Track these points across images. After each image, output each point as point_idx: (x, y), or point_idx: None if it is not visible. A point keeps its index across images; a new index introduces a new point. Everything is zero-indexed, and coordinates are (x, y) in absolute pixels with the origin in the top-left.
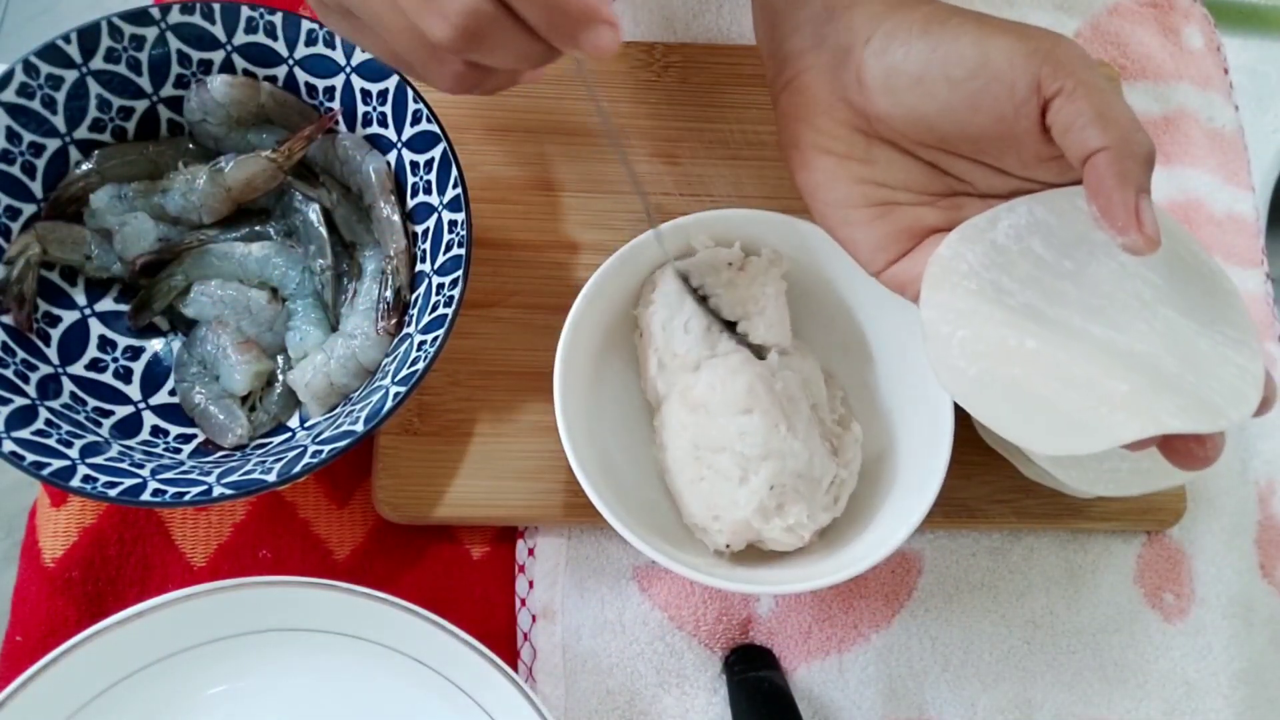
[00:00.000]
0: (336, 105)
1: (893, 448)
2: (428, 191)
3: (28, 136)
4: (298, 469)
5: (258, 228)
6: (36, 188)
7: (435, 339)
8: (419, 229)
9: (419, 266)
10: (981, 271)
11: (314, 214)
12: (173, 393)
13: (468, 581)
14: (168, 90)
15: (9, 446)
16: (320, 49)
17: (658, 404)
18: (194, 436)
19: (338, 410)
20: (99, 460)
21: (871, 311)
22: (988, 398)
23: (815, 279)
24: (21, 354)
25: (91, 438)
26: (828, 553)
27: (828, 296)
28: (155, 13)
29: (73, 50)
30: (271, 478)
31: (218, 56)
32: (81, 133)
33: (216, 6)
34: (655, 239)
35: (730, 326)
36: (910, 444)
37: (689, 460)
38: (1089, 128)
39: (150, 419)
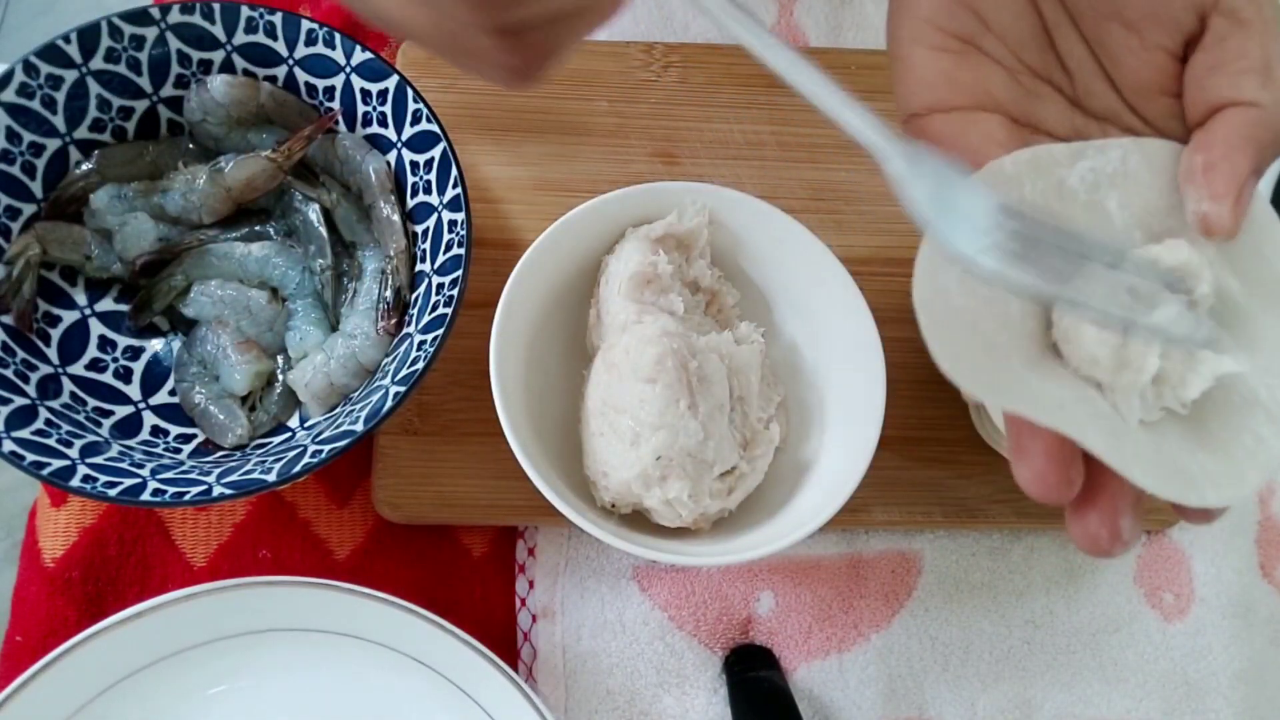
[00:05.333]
0: (336, 105)
1: (816, 466)
2: (428, 191)
3: (28, 136)
4: (298, 469)
5: (258, 228)
6: (36, 188)
7: (435, 339)
8: (419, 229)
9: (419, 266)
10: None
11: (314, 214)
12: (173, 393)
13: (468, 581)
14: (168, 90)
15: (9, 446)
16: (320, 49)
17: (593, 354)
18: (194, 436)
19: (338, 410)
20: (99, 460)
21: (831, 327)
22: (957, 341)
23: (788, 284)
24: (21, 354)
25: (91, 438)
26: (714, 541)
27: (796, 304)
28: (155, 13)
29: (73, 50)
30: (271, 478)
31: (218, 56)
32: (81, 133)
33: (216, 6)
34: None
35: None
36: (829, 469)
37: (596, 414)
38: (1247, 75)
39: (150, 419)
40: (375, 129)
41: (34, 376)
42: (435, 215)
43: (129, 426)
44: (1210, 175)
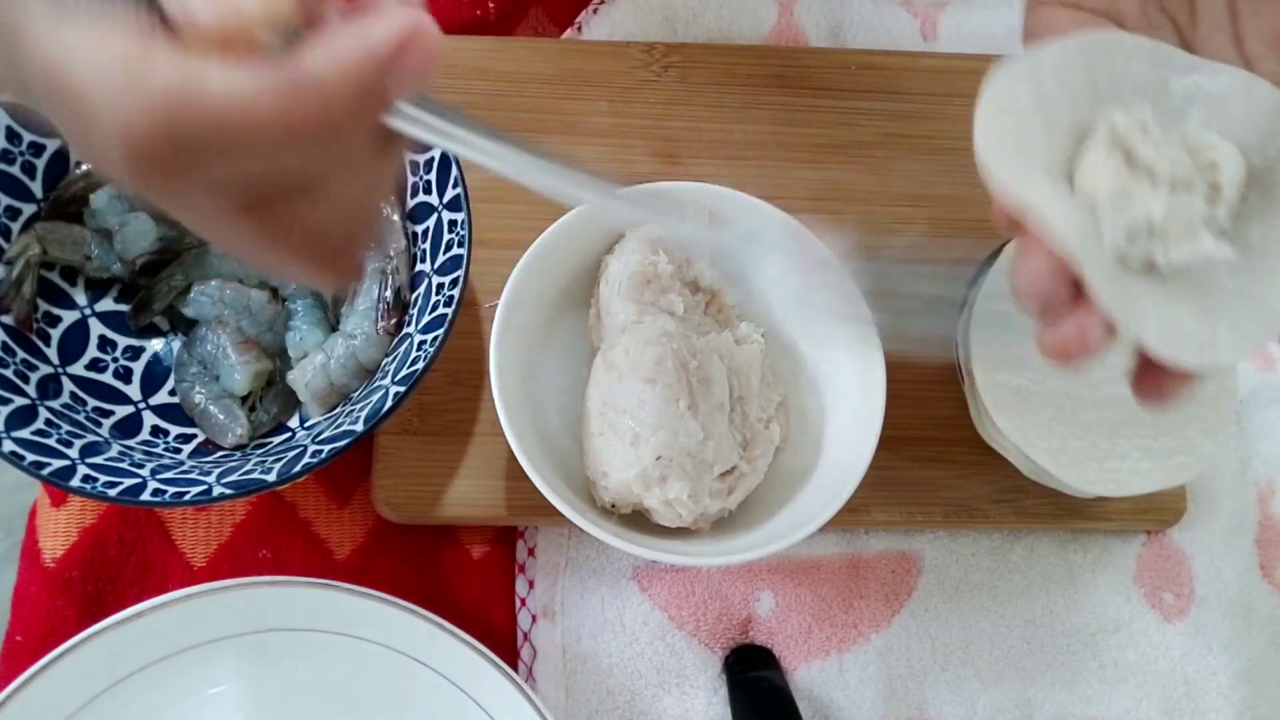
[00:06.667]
0: None
1: (817, 466)
2: (428, 191)
3: (28, 136)
4: (298, 469)
5: None
6: (36, 188)
7: (435, 339)
8: (419, 229)
9: (419, 266)
10: (1125, 86)
11: None
12: (173, 393)
13: (468, 581)
14: None
15: (9, 446)
16: None
17: (593, 354)
18: (194, 436)
19: (338, 410)
20: (99, 460)
21: (834, 329)
22: (1001, 128)
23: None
24: (21, 354)
25: (91, 438)
26: (714, 541)
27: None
28: None
29: None
30: (271, 478)
31: None
32: None
33: None
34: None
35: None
36: (829, 469)
37: (596, 414)
38: None
39: (150, 419)
40: None
41: (34, 376)
42: (435, 215)
43: (129, 426)
44: None
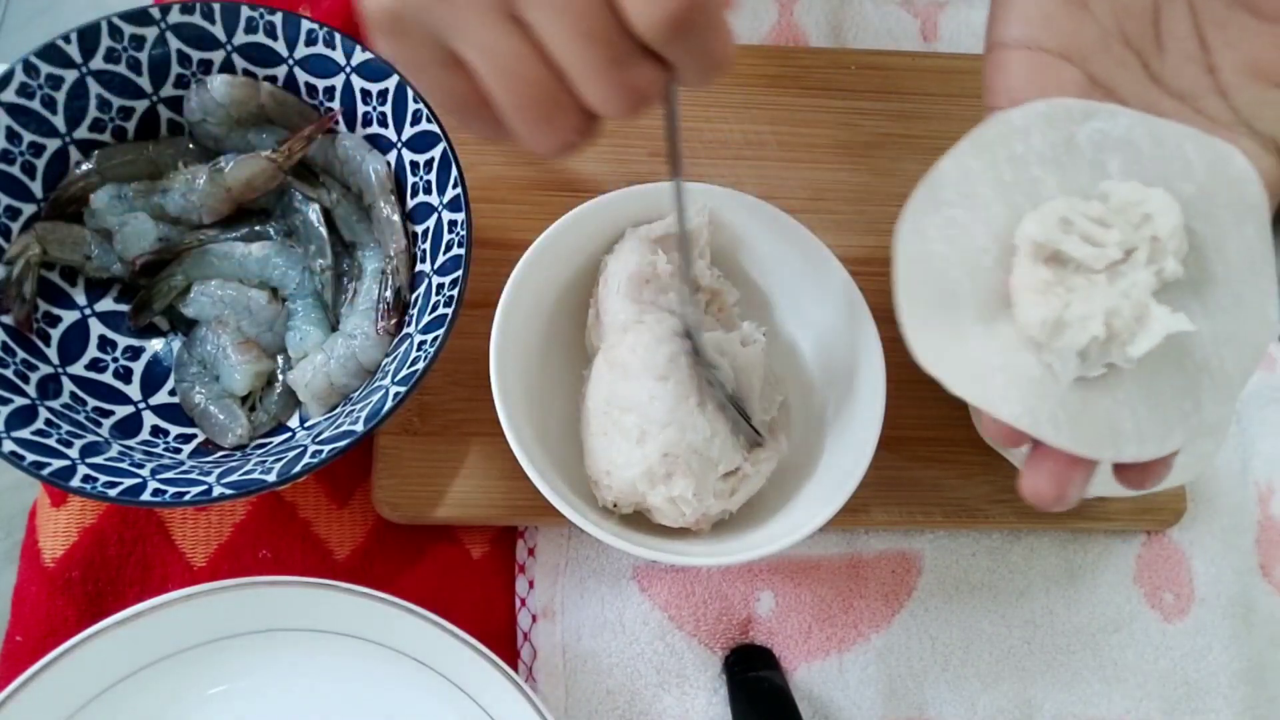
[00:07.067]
0: (336, 105)
1: (817, 466)
2: (428, 191)
3: (28, 136)
4: (298, 469)
5: (258, 228)
6: (36, 188)
7: (435, 339)
8: (419, 229)
9: (419, 266)
10: (1033, 165)
11: (314, 214)
12: (173, 393)
13: (468, 581)
14: (168, 90)
15: (9, 446)
16: (320, 49)
17: (592, 354)
18: (194, 436)
19: (338, 410)
20: (99, 460)
21: (831, 327)
22: (921, 286)
23: (788, 284)
24: (21, 354)
25: (91, 438)
26: (714, 541)
27: (796, 304)
28: (155, 13)
29: (73, 50)
30: (271, 478)
31: (218, 56)
32: (81, 133)
33: (216, 6)
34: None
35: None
36: (829, 469)
37: (599, 413)
38: None
39: (150, 419)
40: (375, 129)
41: (34, 376)
42: (435, 215)
43: (129, 426)
44: None
